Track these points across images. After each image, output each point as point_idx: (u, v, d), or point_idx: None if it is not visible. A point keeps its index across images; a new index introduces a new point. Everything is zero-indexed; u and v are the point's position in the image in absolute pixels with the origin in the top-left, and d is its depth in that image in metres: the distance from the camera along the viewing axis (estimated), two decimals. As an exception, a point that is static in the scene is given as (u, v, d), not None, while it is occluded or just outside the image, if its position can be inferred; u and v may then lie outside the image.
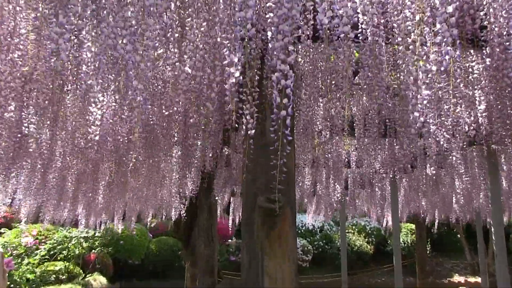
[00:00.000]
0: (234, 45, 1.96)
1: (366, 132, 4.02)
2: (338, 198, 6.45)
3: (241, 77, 1.99)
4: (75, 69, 2.04)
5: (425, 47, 1.83)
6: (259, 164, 2.57)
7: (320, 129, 3.94)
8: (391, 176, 5.13)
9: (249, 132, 2.20)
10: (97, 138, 3.22)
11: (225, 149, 5.08)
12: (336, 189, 6.14)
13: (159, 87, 2.87)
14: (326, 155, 4.97)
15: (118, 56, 1.67)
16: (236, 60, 1.93)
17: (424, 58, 1.81)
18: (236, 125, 2.49)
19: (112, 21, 1.70)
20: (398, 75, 2.72)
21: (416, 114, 1.81)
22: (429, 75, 1.77)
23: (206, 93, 2.52)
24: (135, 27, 1.73)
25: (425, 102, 1.78)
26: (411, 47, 1.87)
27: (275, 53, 1.72)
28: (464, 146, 4.60)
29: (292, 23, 1.71)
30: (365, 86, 2.51)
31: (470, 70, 2.63)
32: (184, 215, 6.12)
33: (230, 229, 12.05)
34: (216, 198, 5.80)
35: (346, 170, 6.43)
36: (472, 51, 2.58)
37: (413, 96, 1.85)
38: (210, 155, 3.77)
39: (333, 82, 2.67)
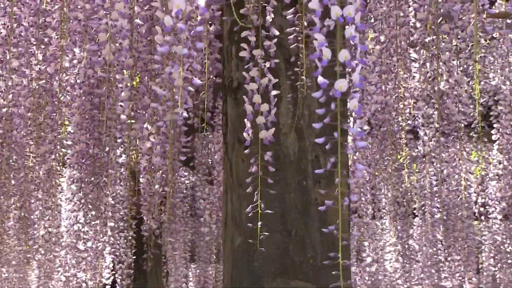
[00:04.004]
0: None
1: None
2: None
3: None
4: None
5: None
6: (264, 210, 2.58)
7: (411, 127, 3.95)
8: None
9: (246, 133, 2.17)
10: None
11: (186, 174, 5.09)
12: (457, 276, 6.09)
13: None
14: (426, 190, 4.94)
15: None
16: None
17: None
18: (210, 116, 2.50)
19: None
20: None
21: None
22: None
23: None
24: None
25: None
26: None
27: None
28: None
29: None
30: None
31: None
32: None
33: None
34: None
35: (477, 226, 6.39)
36: None
37: None
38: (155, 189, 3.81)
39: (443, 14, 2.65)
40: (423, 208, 5.30)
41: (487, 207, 5.86)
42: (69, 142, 3.64)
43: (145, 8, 2.92)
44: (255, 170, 2.41)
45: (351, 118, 3.40)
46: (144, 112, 3.12)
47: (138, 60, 3.02)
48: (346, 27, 1.70)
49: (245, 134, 2.41)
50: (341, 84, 1.73)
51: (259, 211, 2.31)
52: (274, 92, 2.52)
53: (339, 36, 1.73)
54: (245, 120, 2.44)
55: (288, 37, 2.78)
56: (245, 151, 2.51)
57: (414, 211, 5.46)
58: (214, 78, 3.50)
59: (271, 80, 2.47)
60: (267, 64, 2.49)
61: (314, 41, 1.74)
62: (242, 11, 2.53)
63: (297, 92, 2.93)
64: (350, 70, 1.79)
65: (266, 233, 2.47)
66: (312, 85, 2.76)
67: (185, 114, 2.36)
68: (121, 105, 3.06)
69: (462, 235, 5.32)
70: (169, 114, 2.77)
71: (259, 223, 2.29)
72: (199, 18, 2.32)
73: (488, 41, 4.69)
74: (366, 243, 6.03)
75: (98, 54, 3.15)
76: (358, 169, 2.17)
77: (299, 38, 2.76)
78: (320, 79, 1.76)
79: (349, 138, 2.35)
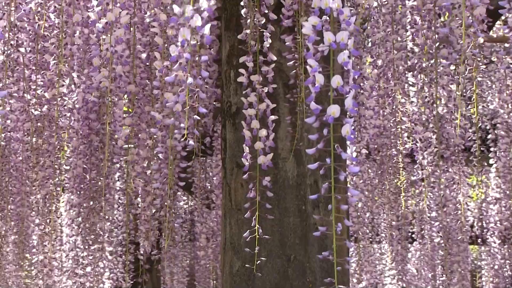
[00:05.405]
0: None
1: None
2: None
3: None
4: None
5: None
6: (261, 235, 2.57)
7: (409, 151, 3.95)
8: None
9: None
10: None
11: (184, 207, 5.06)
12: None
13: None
14: (424, 214, 4.92)
15: None
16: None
17: None
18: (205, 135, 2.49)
19: None
20: None
21: None
22: None
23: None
24: None
25: None
26: None
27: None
28: None
29: None
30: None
31: None
32: None
33: None
34: None
35: (475, 250, 6.36)
36: None
37: None
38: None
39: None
40: (422, 232, 5.28)
41: (485, 230, 5.84)
42: (67, 167, 3.63)
43: (146, 34, 2.93)
44: (253, 195, 2.40)
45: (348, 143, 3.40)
46: (144, 137, 3.12)
47: (136, 85, 3.02)
48: (341, 53, 1.68)
49: (243, 160, 2.40)
50: (333, 110, 1.72)
51: (257, 236, 2.29)
52: (272, 118, 2.52)
53: (332, 62, 1.72)
54: (244, 145, 2.43)
55: (287, 61, 2.78)
56: (244, 176, 2.49)
57: (412, 235, 5.43)
58: (214, 103, 3.51)
59: (269, 105, 2.47)
60: (265, 89, 2.48)
61: (308, 67, 1.72)
62: (240, 36, 2.53)
63: (296, 116, 2.92)
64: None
65: (264, 258, 2.46)
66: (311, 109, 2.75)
67: (191, 142, 2.37)
68: (119, 128, 3.05)
69: (458, 258, 5.29)
70: (168, 140, 2.77)
71: (257, 248, 2.27)
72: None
73: (486, 65, 4.70)
74: (364, 267, 6.00)
75: (96, 79, 3.13)
76: (353, 194, 2.15)
77: (296, 64, 2.76)
78: (313, 105, 1.75)
79: (348, 162, 2.34)
